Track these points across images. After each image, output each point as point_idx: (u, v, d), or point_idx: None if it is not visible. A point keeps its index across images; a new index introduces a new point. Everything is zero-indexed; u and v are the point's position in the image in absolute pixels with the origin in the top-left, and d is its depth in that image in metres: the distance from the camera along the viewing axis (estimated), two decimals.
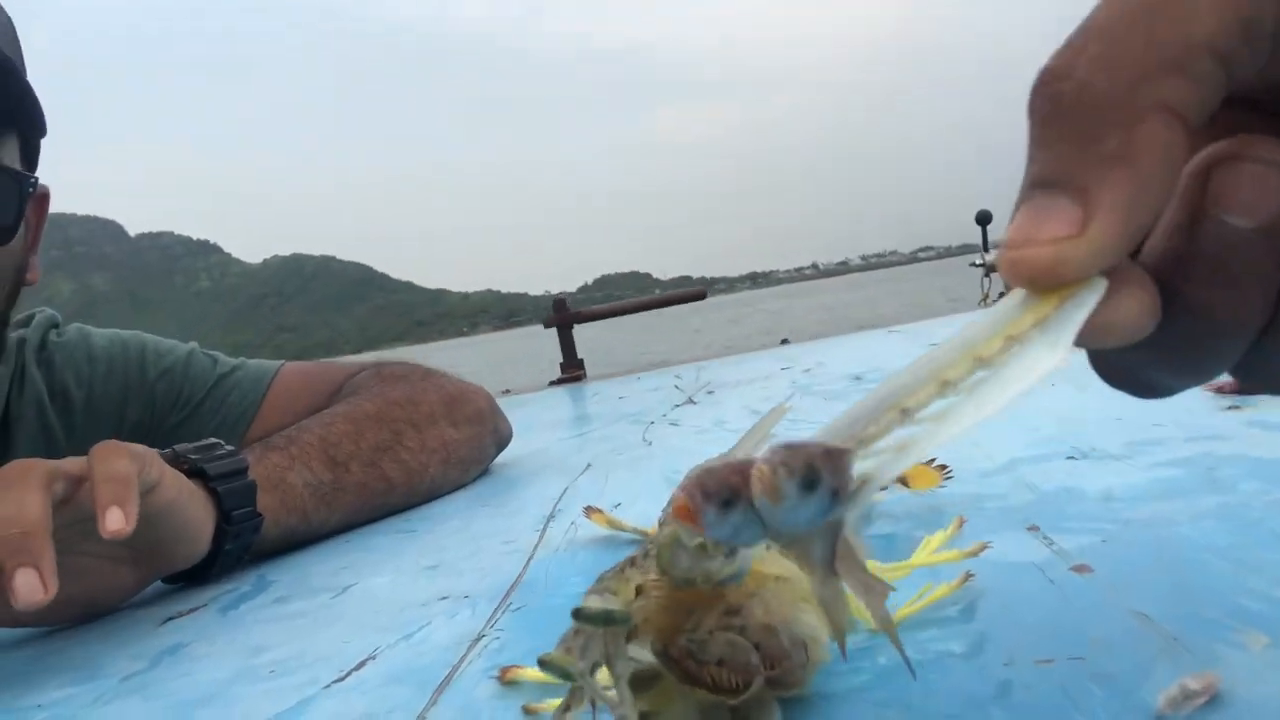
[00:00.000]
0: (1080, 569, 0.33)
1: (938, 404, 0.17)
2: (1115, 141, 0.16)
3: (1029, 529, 0.38)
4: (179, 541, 0.54)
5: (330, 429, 0.69)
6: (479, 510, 0.66)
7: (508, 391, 2.14)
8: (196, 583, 0.58)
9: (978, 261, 2.12)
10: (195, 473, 0.57)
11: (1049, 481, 0.45)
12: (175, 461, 0.56)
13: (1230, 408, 0.55)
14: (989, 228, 2.10)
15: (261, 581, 0.57)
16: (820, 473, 0.17)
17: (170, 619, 0.52)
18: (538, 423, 1.25)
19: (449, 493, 0.77)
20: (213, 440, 0.60)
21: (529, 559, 0.49)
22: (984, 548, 0.32)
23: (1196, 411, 0.55)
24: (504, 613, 0.41)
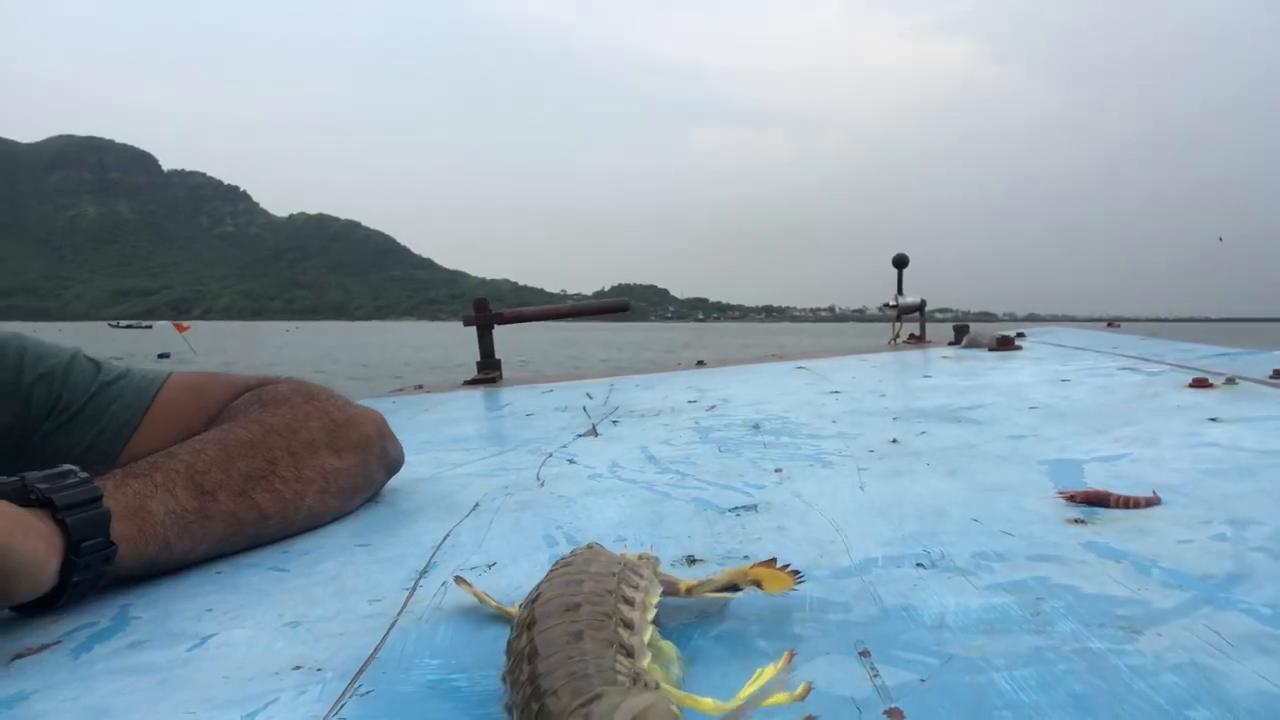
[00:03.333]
0: (893, 714, 0.35)
1: None
2: None
3: (861, 654, 0.41)
4: (12, 579, 0.52)
5: (200, 456, 0.67)
6: (355, 553, 0.66)
7: (420, 387, 2.12)
8: (45, 612, 0.57)
9: (890, 304, 2.18)
10: (43, 503, 0.55)
11: (893, 595, 0.48)
12: (23, 493, 0.55)
13: (1075, 520, 0.58)
14: (904, 271, 2.16)
15: (122, 617, 0.56)
16: None
17: (20, 655, 0.51)
18: (440, 437, 1.25)
19: (331, 521, 0.76)
20: (66, 468, 0.58)
21: (391, 625, 0.50)
22: (808, 691, 0.34)
23: (1046, 520, 0.59)
24: (351, 697, 0.41)
